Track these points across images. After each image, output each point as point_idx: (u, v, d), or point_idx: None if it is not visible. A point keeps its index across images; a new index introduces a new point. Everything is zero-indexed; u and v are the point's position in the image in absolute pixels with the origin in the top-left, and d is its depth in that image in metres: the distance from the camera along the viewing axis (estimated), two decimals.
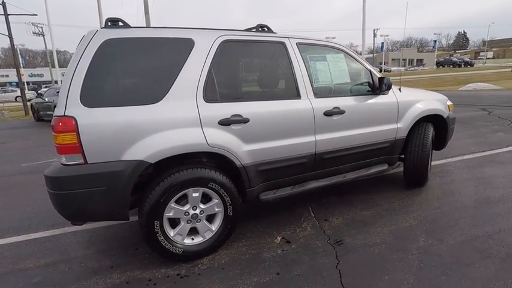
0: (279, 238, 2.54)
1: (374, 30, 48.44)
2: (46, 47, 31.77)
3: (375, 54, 54.74)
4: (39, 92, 17.97)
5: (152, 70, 2.08)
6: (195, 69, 2.16)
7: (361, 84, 2.97)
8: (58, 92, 9.34)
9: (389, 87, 2.84)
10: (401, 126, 3.10)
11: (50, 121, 10.85)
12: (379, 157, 3.10)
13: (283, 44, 2.54)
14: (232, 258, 2.30)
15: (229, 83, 2.36)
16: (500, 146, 4.89)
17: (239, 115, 2.25)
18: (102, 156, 1.91)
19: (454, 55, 63.88)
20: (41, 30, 30.54)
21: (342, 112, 2.68)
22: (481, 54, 68.52)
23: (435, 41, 51.64)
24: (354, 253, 2.29)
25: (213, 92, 2.22)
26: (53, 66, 30.99)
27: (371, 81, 2.94)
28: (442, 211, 2.86)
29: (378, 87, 2.90)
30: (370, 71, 2.94)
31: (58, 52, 24.37)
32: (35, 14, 18.67)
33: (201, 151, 2.14)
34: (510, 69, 28.57)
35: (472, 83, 17.52)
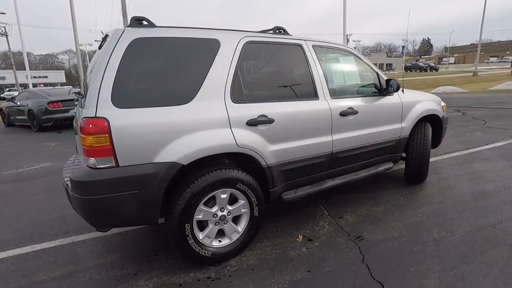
0: (300, 237, 2.58)
1: (347, 35, 50.26)
2: (10, 48, 29.74)
3: None
4: (1, 95, 16.80)
5: (181, 70, 2.05)
6: (222, 70, 2.16)
7: (370, 85, 3.10)
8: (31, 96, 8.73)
9: (397, 89, 2.99)
10: (405, 126, 3.26)
11: (22, 126, 10.24)
12: (385, 155, 3.24)
13: (300, 46, 2.61)
14: (259, 259, 2.30)
15: (254, 84, 2.37)
16: (481, 144, 5.27)
17: (265, 115, 2.27)
18: (134, 159, 1.85)
19: (420, 60, 67.77)
20: (3, 30, 28.61)
21: (355, 112, 2.78)
22: (444, 59, 73.35)
23: (403, 47, 54.48)
24: (376, 247, 2.37)
25: (239, 93, 2.22)
26: (18, 69, 29.14)
27: (378, 83, 3.07)
28: (446, 205, 3.05)
29: (384, 89, 3.04)
30: (377, 73, 3.08)
31: (21, 54, 22.77)
32: (3, 13, 17.46)
33: (230, 152, 2.13)
34: (472, 74, 30.79)
35: (441, 87, 18.69)
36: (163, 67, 2.00)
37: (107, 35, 2.04)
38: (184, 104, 2.00)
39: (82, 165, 1.98)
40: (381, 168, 3.17)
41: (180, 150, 1.94)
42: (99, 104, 1.78)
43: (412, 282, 1.97)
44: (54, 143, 7.42)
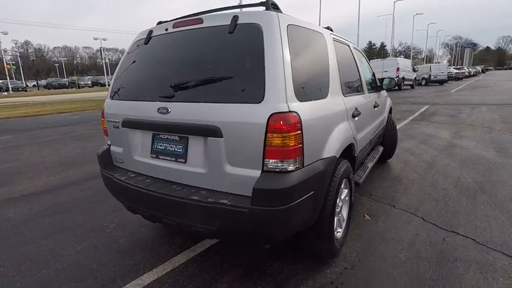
0: (366, 215, 2.90)
1: None
2: None
3: None
4: None
5: (318, 63, 1.97)
6: (334, 63, 2.20)
7: (372, 82, 3.72)
8: None
9: (393, 86, 3.74)
10: (385, 116, 4.10)
11: None
12: (379, 139, 3.97)
13: (348, 46, 2.91)
14: (361, 241, 2.48)
15: (344, 78, 2.48)
16: None
17: (356, 108, 2.46)
18: (312, 157, 1.69)
19: None
20: None
21: (378, 105, 3.33)
22: None
23: None
24: (421, 209, 2.99)
25: (343, 87, 2.32)
26: None
27: (374, 80, 3.75)
28: (419, 172, 4.06)
29: (380, 85, 3.75)
30: (373, 72, 3.76)
31: None
32: None
33: (350, 143, 2.22)
34: None
35: None
36: (309, 58, 1.88)
37: (236, 16, 1.71)
38: (326, 97, 1.96)
39: (209, 171, 1.64)
40: (380, 150, 3.88)
41: (336, 144, 1.90)
42: (288, 96, 1.53)
43: (470, 224, 2.66)
44: None
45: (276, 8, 1.83)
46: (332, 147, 1.87)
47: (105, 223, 2.90)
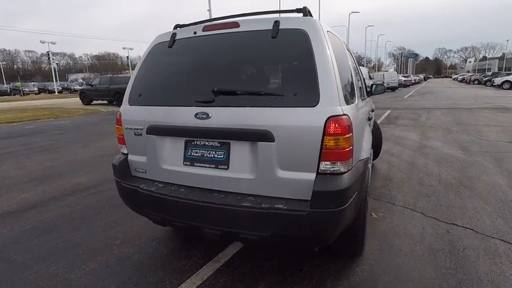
0: (373, 214, 3.05)
1: None
2: None
3: None
4: None
5: (347, 67, 2.04)
6: (352, 68, 2.31)
7: (366, 87, 3.94)
8: None
9: (382, 91, 4.00)
10: (374, 119, 4.36)
11: None
12: None
13: (351, 53, 3.06)
14: (377, 238, 2.59)
15: (357, 84, 2.60)
16: None
17: (369, 112, 2.59)
18: (356, 158, 1.75)
19: None
20: None
21: (374, 109, 3.54)
22: None
23: None
24: (420, 205, 3.22)
25: (359, 91, 2.43)
26: None
27: (365, 86, 3.98)
28: (405, 171, 4.37)
29: (370, 91, 3.99)
30: (364, 78, 3.99)
31: None
32: None
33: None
34: None
35: None
36: (343, 63, 1.94)
37: (277, 21, 1.72)
38: (356, 101, 2.04)
39: (267, 174, 1.62)
40: (371, 152, 4.11)
41: (367, 145, 1.99)
42: (340, 99, 1.57)
43: (465, 216, 2.93)
44: None
45: (311, 15, 1.89)
46: (365, 149, 1.95)
47: (108, 240, 2.68)
